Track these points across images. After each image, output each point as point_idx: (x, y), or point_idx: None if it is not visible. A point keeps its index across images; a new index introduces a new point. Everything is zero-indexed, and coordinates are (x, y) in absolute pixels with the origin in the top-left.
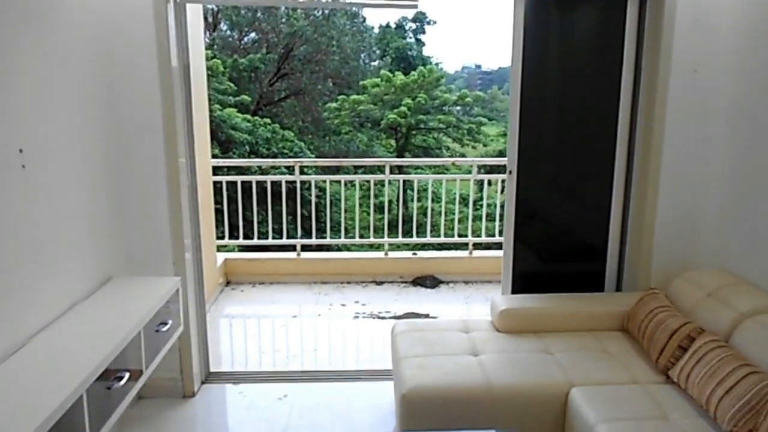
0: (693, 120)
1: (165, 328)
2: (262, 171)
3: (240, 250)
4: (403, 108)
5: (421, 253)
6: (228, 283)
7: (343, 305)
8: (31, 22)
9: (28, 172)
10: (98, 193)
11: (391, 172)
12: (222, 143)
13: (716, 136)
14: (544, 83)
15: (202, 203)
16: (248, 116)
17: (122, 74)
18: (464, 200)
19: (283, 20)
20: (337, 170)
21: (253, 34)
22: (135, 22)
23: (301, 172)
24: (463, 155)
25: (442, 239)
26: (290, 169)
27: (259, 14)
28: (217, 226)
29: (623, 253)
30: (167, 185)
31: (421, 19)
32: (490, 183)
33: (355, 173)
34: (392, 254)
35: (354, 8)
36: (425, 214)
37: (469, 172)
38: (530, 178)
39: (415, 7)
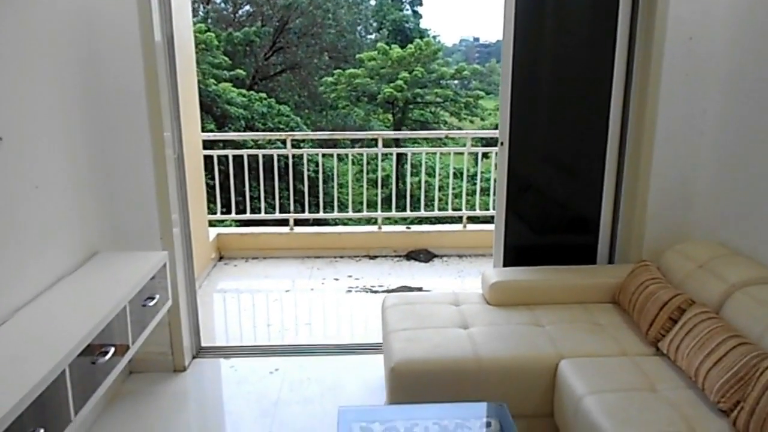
0: (688, 90)
1: (152, 303)
2: (257, 145)
3: (234, 225)
4: (399, 82)
5: (415, 227)
6: (221, 258)
7: (337, 279)
8: None
9: (5, 145)
10: (82, 167)
11: (387, 146)
12: (217, 118)
13: (711, 106)
14: (536, 54)
15: (191, 177)
16: (243, 91)
17: (104, 47)
18: (460, 174)
19: None
20: (334, 144)
21: (247, 7)
22: None
23: (296, 146)
24: (460, 129)
25: (436, 212)
26: (284, 143)
27: None
28: (210, 201)
29: (616, 226)
30: (152, 159)
31: None
32: (486, 156)
33: (351, 147)
34: (386, 228)
35: None
36: (420, 188)
37: (464, 146)
38: (522, 150)
39: None
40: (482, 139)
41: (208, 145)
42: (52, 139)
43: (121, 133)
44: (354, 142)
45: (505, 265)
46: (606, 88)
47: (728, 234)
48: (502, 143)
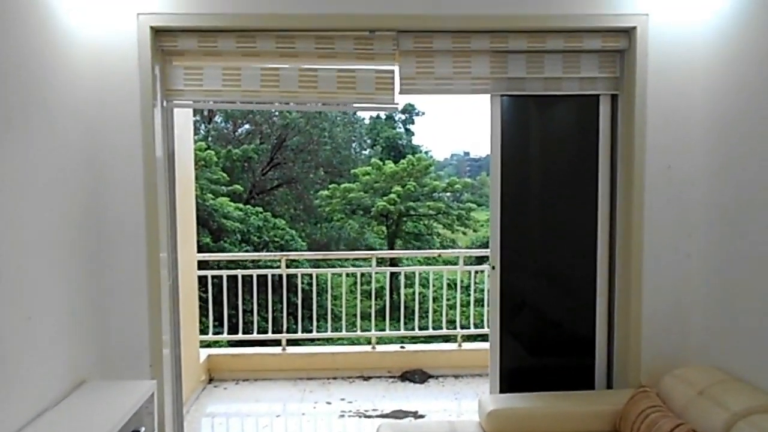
0: (671, 215)
1: None
2: (252, 262)
3: (226, 345)
4: (393, 195)
5: (409, 346)
6: (211, 380)
7: (329, 403)
8: (12, 122)
9: (2, 276)
10: (76, 294)
11: (380, 261)
12: (213, 232)
13: (695, 231)
14: (523, 178)
15: (185, 299)
16: (240, 205)
17: (107, 170)
18: (454, 284)
19: (277, 113)
20: (328, 263)
21: (247, 126)
22: (121, 123)
23: (290, 265)
24: (453, 241)
25: (430, 332)
26: (279, 262)
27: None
28: (203, 314)
29: (612, 348)
30: (147, 281)
31: (410, 110)
32: (477, 273)
33: (345, 261)
34: (380, 347)
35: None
36: (414, 300)
37: (457, 263)
38: (515, 269)
39: (396, 109)
40: (472, 256)
41: (202, 263)
42: (50, 268)
43: (118, 254)
44: (345, 260)
45: (501, 389)
46: (592, 210)
47: (725, 358)
48: (493, 267)
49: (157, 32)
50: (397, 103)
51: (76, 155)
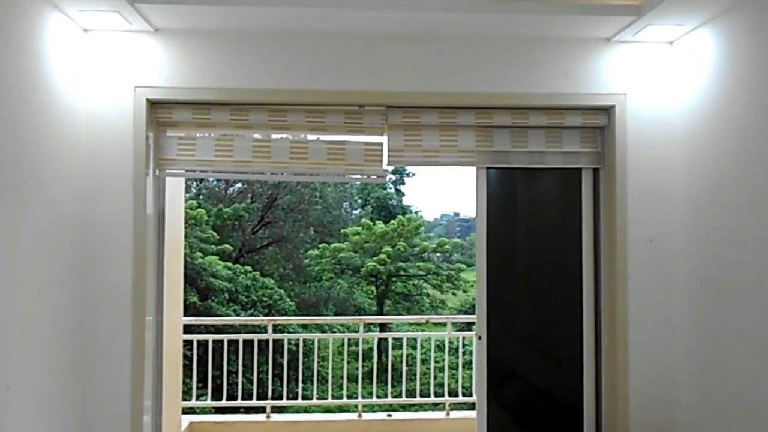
0: (654, 287)
1: None
2: (240, 325)
3: (209, 411)
4: (383, 255)
5: (396, 414)
6: None
7: None
8: (5, 190)
9: None
10: (58, 357)
11: (368, 324)
12: (201, 290)
13: (679, 302)
14: (509, 247)
15: (169, 362)
16: (229, 264)
17: (96, 235)
18: (443, 346)
19: None
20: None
21: (239, 185)
22: (114, 190)
23: (277, 330)
24: (443, 302)
25: (418, 399)
26: (266, 328)
27: None
28: (186, 375)
29: (600, 420)
30: (132, 345)
31: (400, 171)
32: (464, 339)
33: (332, 327)
34: (366, 415)
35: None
36: (402, 362)
37: (446, 326)
38: (502, 340)
39: (384, 181)
40: (464, 315)
41: (188, 325)
42: (31, 334)
43: (103, 318)
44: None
45: None
46: (577, 279)
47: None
48: (480, 337)
49: (153, 104)
50: (386, 173)
51: (66, 221)
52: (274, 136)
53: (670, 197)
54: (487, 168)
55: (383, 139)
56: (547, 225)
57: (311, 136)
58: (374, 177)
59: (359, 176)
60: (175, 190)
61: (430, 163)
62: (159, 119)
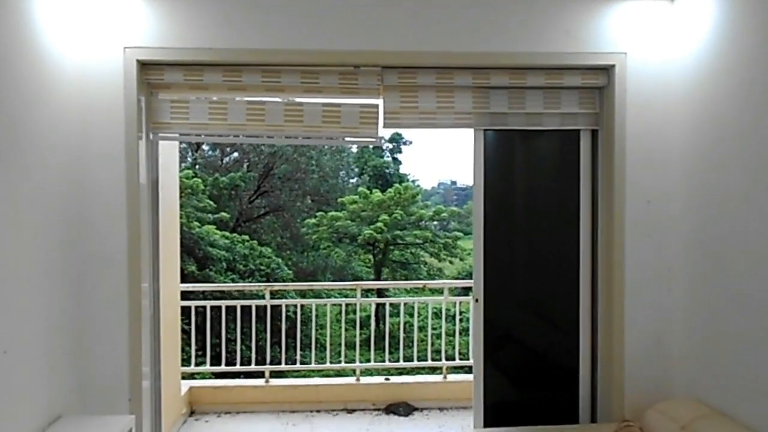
0: (651, 248)
1: None
2: (238, 291)
3: (208, 376)
4: (380, 224)
5: (394, 378)
6: (192, 413)
7: None
8: None
9: None
10: (55, 325)
11: (366, 291)
12: (199, 260)
13: (675, 264)
14: (506, 210)
15: (167, 329)
16: (227, 233)
17: (89, 201)
18: (440, 312)
19: None
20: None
21: (235, 154)
22: (106, 155)
23: (275, 296)
24: (440, 270)
25: (415, 363)
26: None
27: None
28: (185, 343)
29: (595, 382)
30: (128, 311)
31: (397, 139)
32: (462, 302)
33: (330, 292)
34: (364, 379)
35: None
36: (400, 329)
37: (442, 293)
38: (498, 303)
39: (379, 143)
40: (457, 287)
41: (186, 293)
42: (28, 299)
43: (99, 284)
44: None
45: (486, 423)
46: (575, 241)
47: (707, 391)
48: (477, 299)
49: (144, 65)
50: (382, 137)
51: (59, 185)
52: (268, 99)
53: (668, 158)
54: (485, 130)
55: (379, 101)
56: (545, 187)
57: (306, 99)
58: (370, 140)
59: (355, 139)
60: (169, 156)
61: (426, 125)
62: (150, 81)
